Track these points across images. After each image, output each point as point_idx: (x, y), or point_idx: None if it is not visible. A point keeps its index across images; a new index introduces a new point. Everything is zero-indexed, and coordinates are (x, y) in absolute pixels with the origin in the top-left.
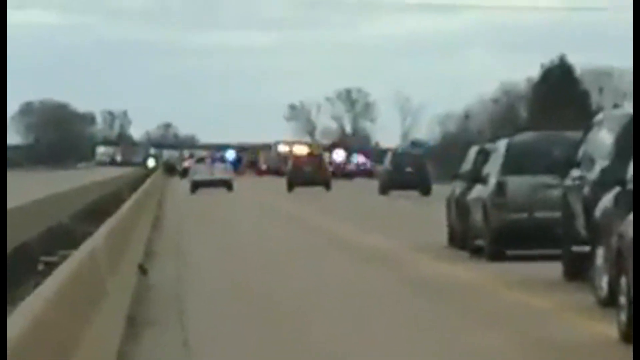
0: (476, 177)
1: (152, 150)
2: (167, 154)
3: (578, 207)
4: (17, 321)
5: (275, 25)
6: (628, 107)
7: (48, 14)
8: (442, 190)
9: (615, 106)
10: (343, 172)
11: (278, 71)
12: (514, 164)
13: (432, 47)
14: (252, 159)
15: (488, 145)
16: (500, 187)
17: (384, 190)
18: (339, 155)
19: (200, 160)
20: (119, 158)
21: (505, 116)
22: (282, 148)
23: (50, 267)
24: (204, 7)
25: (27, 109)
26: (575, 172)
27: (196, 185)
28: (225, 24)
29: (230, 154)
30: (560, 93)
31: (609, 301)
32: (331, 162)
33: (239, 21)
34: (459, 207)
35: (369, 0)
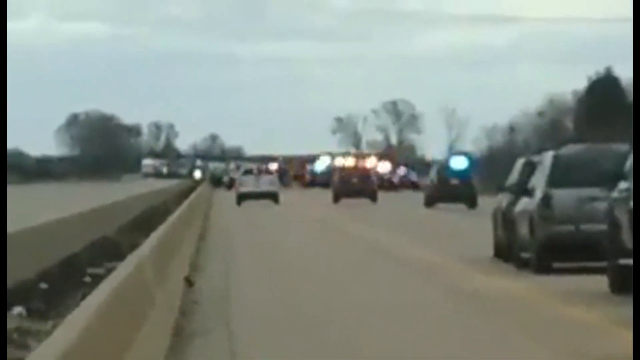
0: (522, 189)
1: (198, 162)
2: (213, 165)
3: (625, 220)
4: (66, 332)
5: (323, 36)
6: None
7: (95, 25)
8: (488, 203)
9: None
10: (389, 184)
11: (325, 82)
12: (560, 176)
13: (477, 59)
14: (298, 171)
15: (534, 158)
16: (547, 199)
17: (430, 202)
18: (385, 167)
19: (247, 172)
20: (165, 170)
21: (550, 128)
22: (330, 160)
23: (97, 279)
24: (252, 17)
25: (73, 120)
26: (622, 185)
27: (242, 198)
28: (273, 34)
29: (276, 166)
30: (606, 105)
31: None
32: (377, 174)
33: (287, 32)
34: (505, 220)
35: (415, 13)
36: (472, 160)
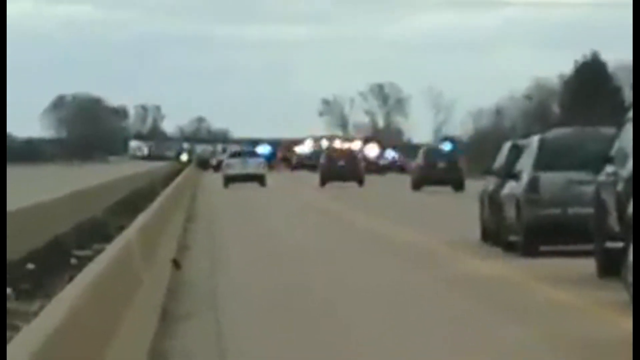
0: (509, 172)
1: (185, 145)
2: (199, 148)
3: (611, 203)
4: (53, 311)
5: (311, 19)
6: None
7: (82, 8)
8: (475, 186)
9: None
10: (376, 167)
11: (312, 65)
12: (547, 159)
13: (465, 43)
14: (285, 154)
15: (521, 141)
16: (533, 182)
17: (417, 185)
18: (372, 150)
19: (234, 154)
20: (151, 152)
21: (537, 112)
22: (316, 142)
23: (84, 260)
24: (239, 0)
25: (60, 102)
26: (608, 168)
27: (229, 180)
28: (260, 17)
29: (264, 149)
30: (592, 89)
31: None
32: (364, 157)
33: (274, 15)
34: (492, 203)
35: None
36: (455, 145)
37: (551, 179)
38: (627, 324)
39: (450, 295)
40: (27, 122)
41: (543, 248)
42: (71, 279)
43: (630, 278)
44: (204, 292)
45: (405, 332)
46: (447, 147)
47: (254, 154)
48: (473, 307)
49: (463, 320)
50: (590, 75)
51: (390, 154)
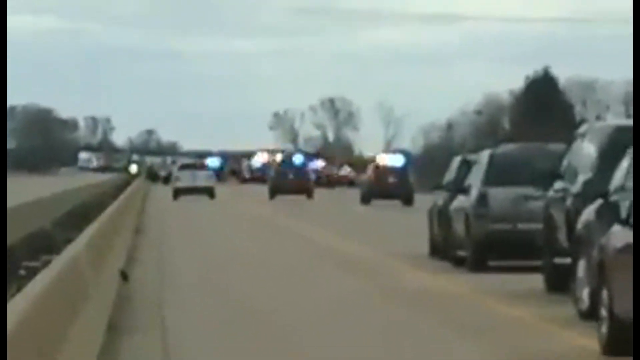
0: (459, 187)
1: (135, 157)
2: (150, 160)
3: (560, 219)
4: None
5: (261, 32)
6: (611, 120)
7: (35, 19)
8: (424, 201)
9: (598, 118)
10: (325, 181)
11: (263, 79)
12: (496, 175)
13: (416, 58)
14: (234, 167)
15: (471, 156)
16: (483, 197)
17: (366, 199)
18: (317, 164)
19: (184, 167)
20: (100, 164)
21: (488, 127)
22: (264, 156)
23: (32, 272)
24: (191, 13)
25: (10, 113)
26: (558, 184)
27: (178, 192)
28: (212, 30)
29: (213, 162)
30: (543, 105)
31: (590, 313)
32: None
33: (226, 27)
34: (441, 218)
35: (358, 11)
36: (409, 158)
37: (500, 194)
38: (575, 338)
39: (395, 308)
40: None
41: (491, 263)
42: (19, 289)
43: (579, 293)
44: (151, 305)
45: (347, 344)
46: (398, 161)
47: (203, 167)
48: (420, 322)
49: (406, 333)
50: (541, 91)
51: (347, 170)
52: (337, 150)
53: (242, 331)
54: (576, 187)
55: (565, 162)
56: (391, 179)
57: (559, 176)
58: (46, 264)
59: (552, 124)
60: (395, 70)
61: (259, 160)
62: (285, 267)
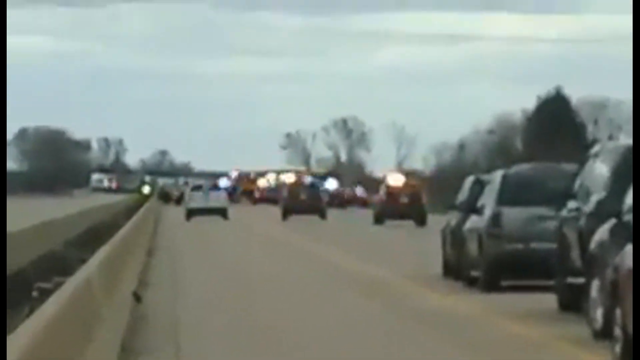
0: (472, 207)
1: (147, 178)
2: (162, 181)
3: (573, 239)
4: (13, 346)
5: (274, 53)
6: (624, 139)
7: (46, 40)
8: (437, 221)
9: (610, 138)
10: (338, 201)
11: (276, 99)
12: (509, 195)
13: (428, 77)
14: (247, 187)
15: (484, 176)
16: (496, 217)
17: (379, 219)
18: (331, 184)
19: (196, 187)
20: (113, 185)
21: (500, 147)
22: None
23: (45, 293)
24: (202, 35)
25: (22, 135)
26: (571, 204)
27: (191, 213)
28: (224, 51)
29: (226, 182)
30: (555, 124)
31: (604, 333)
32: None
33: (238, 49)
34: (454, 238)
35: (367, 32)
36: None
37: (514, 214)
38: (589, 358)
39: (410, 330)
40: None
41: (504, 283)
42: (32, 311)
43: (592, 312)
44: (165, 327)
45: None
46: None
47: (216, 187)
48: (432, 341)
49: (421, 355)
50: (553, 111)
51: (360, 191)
52: (348, 170)
53: (256, 352)
54: (589, 207)
55: (578, 182)
56: (404, 199)
57: (572, 196)
58: (59, 285)
59: (565, 143)
60: (406, 90)
61: (272, 180)
62: (299, 287)
